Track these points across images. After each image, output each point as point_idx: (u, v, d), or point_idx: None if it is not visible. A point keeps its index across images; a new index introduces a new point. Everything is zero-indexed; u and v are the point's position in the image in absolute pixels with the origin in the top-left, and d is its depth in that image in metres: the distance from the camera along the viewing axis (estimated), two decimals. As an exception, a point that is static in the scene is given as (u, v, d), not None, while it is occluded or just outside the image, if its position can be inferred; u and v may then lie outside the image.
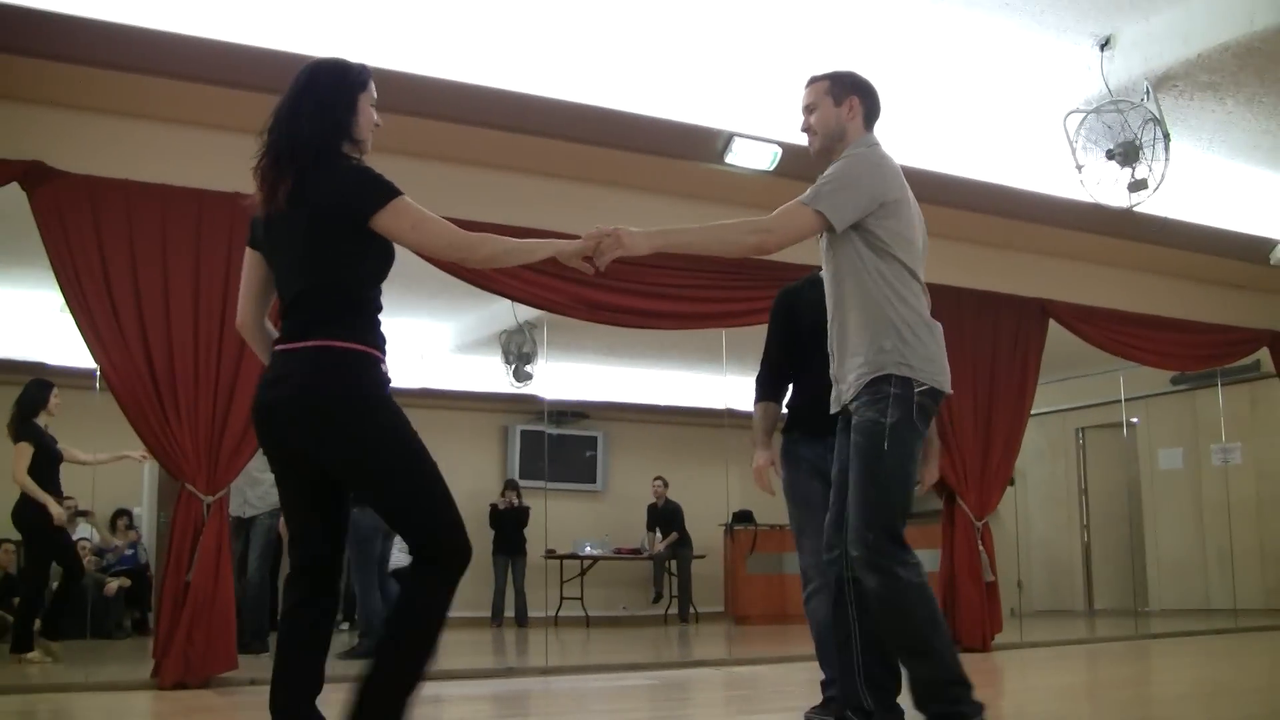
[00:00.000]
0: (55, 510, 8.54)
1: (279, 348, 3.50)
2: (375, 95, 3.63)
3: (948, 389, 4.04)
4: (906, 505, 3.98)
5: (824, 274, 4.20)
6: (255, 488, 9.47)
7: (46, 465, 8.66)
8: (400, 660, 3.38)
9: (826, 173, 4.04)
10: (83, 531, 12.15)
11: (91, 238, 6.82)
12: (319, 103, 3.51)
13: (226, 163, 7.28)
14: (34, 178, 6.76)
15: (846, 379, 4.03)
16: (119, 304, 6.84)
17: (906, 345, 3.94)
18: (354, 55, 3.68)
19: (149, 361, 6.87)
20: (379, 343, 3.50)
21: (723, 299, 8.81)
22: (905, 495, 3.98)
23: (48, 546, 8.85)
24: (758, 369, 5.20)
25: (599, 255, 3.74)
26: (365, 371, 3.44)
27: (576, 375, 14.13)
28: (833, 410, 4.16)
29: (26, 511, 8.59)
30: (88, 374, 7.22)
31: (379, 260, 3.56)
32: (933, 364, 3.99)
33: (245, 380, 7.06)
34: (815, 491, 4.73)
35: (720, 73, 7.72)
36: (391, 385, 3.48)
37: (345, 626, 10.77)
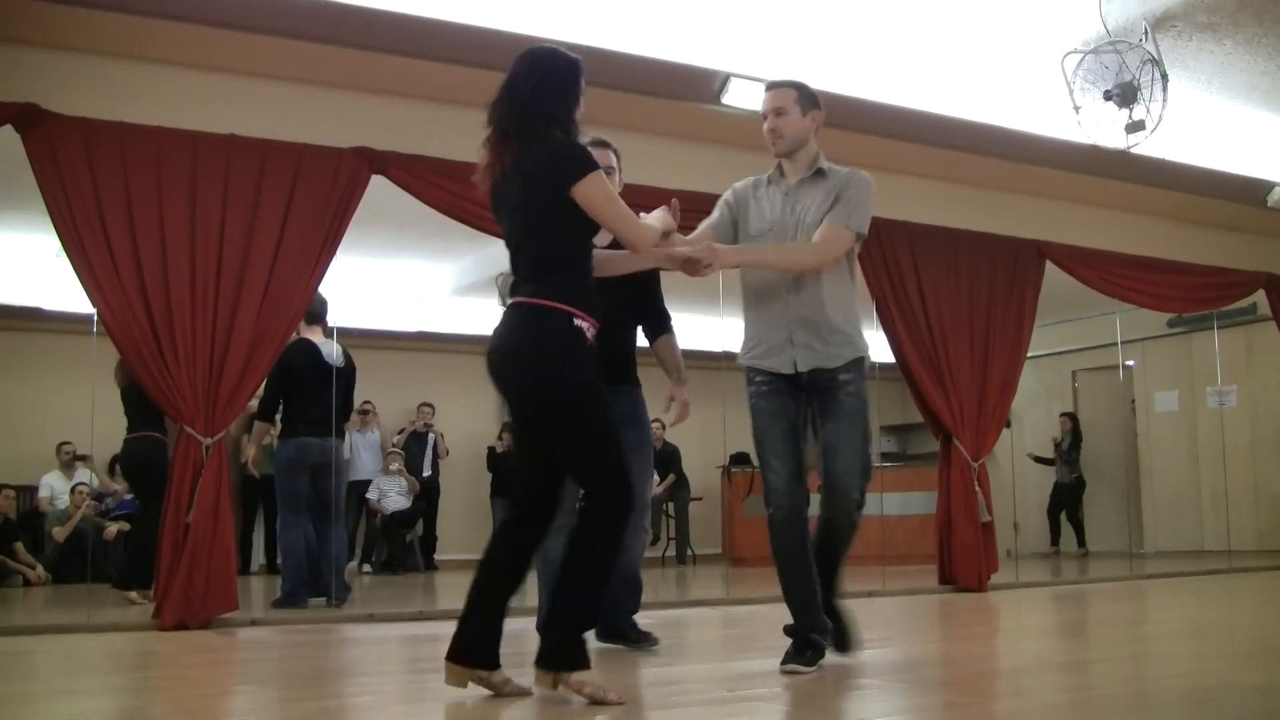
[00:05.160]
0: None
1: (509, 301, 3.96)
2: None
3: None
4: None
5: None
6: None
7: None
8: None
9: (848, 195, 4.61)
10: (81, 476, 12.21)
11: (86, 180, 6.79)
12: (559, 85, 3.96)
13: (221, 105, 7.32)
14: (27, 120, 6.73)
15: (827, 351, 4.62)
16: (115, 247, 6.82)
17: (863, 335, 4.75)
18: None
19: (146, 305, 6.87)
20: (577, 300, 3.85)
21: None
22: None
23: None
24: None
25: (699, 267, 4.33)
26: (555, 326, 3.82)
27: (572, 318, 14.06)
28: (797, 369, 4.65)
29: None
30: (84, 318, 7.19)
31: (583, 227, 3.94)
32: None
33: (242, 322, 7.07)
34: None
35: (716, 12, 7.68)
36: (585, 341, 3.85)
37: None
